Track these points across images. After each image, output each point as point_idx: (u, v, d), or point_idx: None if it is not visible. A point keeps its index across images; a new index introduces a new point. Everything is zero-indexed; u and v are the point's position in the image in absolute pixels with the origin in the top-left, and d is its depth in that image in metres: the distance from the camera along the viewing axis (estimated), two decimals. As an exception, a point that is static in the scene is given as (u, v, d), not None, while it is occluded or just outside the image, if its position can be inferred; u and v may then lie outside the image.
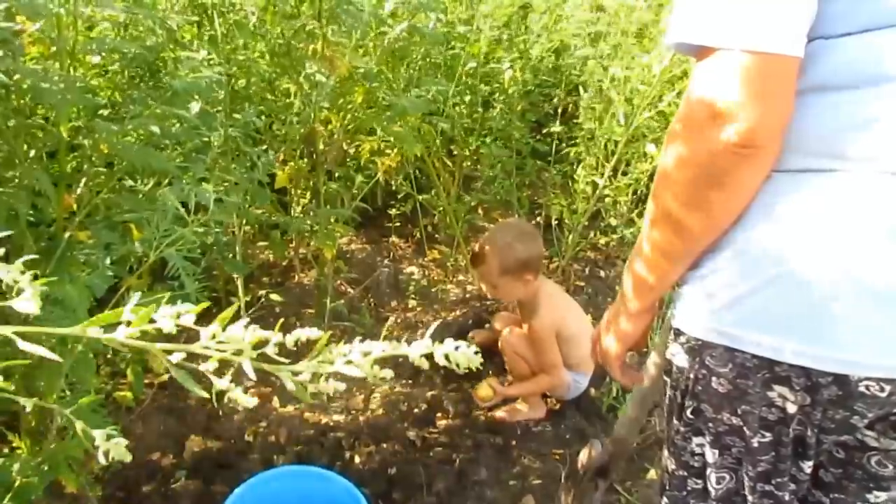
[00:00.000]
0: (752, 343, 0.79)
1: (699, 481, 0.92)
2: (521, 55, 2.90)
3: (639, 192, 2.88)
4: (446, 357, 0.42)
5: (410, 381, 2.34)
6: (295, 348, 0.47)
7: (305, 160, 2.28)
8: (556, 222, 3.03)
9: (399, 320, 2.69)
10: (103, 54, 1.38)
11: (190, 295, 1.10)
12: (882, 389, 0.74)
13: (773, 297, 0.77)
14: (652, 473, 1.99)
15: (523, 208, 3.17)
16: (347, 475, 1.58)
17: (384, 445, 2.01)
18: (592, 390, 2.31)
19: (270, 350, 0.44)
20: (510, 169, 2.92)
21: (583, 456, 1.62)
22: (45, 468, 1.17)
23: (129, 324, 0.41)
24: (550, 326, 2.11)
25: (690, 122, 0.77)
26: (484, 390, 2.21)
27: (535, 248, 2.08)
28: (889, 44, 0.71)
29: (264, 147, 2.08)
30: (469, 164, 3.18)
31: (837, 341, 0.74)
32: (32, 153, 1.19)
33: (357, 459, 1.96)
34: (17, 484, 1.11)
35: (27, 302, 0.37)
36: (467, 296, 2.86)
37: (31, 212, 1.16)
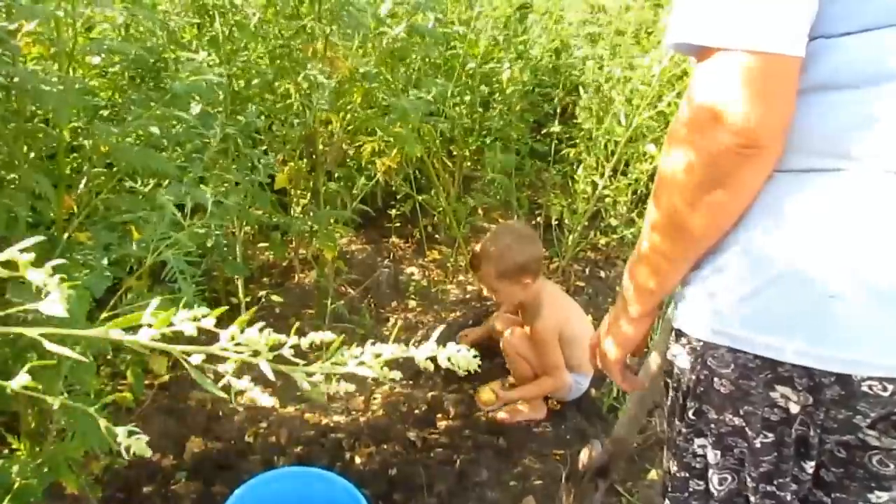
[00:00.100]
0: (754, 343, 0.79)
1: (701, 483, 0.92)
2: (520, 55, 2.90)
3: (639, 192, 2.88)
4: (449, 360, 0.42)
5: (411, 382, 2.34)
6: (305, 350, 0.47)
7: (305, 161, 2.28)
8: (556, 223, 3.03)
9: (399, 321, 2.68)
10: (103, 56, 1.38)
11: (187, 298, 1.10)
12: (885, 389, 0.74)
13: (776, 298, 0.77)
14: (653, 474, 1.98)
15: (523, 209, 3.17)
16: (348, 476, 1.58)
17: (385, 446, 2.01)
18: (593, 391, 2.31)
19: (281, 351, 0.44)
20: (510, 169, 2.91)
21: (583, 456, 1.61)
22: (45, 469, 1.16)
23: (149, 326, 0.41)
24: (553, 328, 2.10)
25: (691, 122, 0.76)
26: (486, 395, 2.20)
27: (533, 251, 2.08)
28: (890, 43, 0.70)
29: (264, 148, 2.07)
30: (469, 164, 3.18)
31: (841, 341, 0.74)
32: (32, 155, 1.18)
33: (357, 460, 1.96)
34: (16, 486, 1.11)
35: (55, 304, 0.37)
36: (467, 296, 2.86)
37: (30, 213, 1.16)
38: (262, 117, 1.92)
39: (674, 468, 0.96)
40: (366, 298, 2.76)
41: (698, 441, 0.91)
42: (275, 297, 2.48)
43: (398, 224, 3.15)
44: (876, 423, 0.78)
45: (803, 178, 0.77)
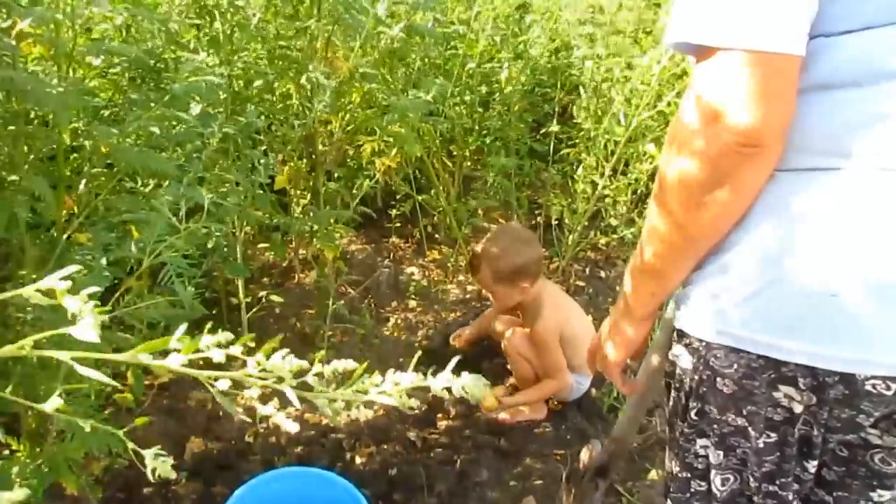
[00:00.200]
0: (757, 343, 0.79)
1: (703, 483, 0.92)
2: (519, 55, 2.90)
3: (639, 191, 2.88)
4: (463, 389, 0.43)
5: (411, 382, 2.34)
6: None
7: (305, 161, 2.28)
8: (556, 222, 3.03)
9: (399, 321, 2.68)
10: (103, 57, 1.38)
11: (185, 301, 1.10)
12: (888, 388, 0.74)
13: (779, 297, 0.77)
14: (653, 474, 1.98)
15: (523, 209, 3.17)
16: (348, 476, 1.57)
17: (385, 446, 2.00)
18: (593, 391, 2.31)
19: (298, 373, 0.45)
20: (510, 170, 2.91)
21: (583, 456, 1.61)
22: (46, 470, 1.16)
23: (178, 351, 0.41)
24: (553, 329, 2.10)
25: (692, 122, 0.76)
26: (489, 401, 2.20)
27: (531, 254, 2.07)
28: (892, 41, 0.70)
29: (263, 148, 2.07)
30: (469, 164, 3.18)
31: (844, 340, 0.74)
32: (32, 156, 1.18)
33: (358, 460, 1.96)
34: (16, 486, 1.10)
35: (88, 330, 0.38)
36: (467, 296, 2.85)
37: (30, 214, 1.16)
38: (262, 117, 1.92)
39: (675, 468, 0.96)
40: (366, 298, 2.76)
41: (700, 441, 0.91)
42: (275, 298, 2.48)
43: (398, 224, 3.14)
44: (878, 421, 0.77)
45: (805, 178, 0.77)
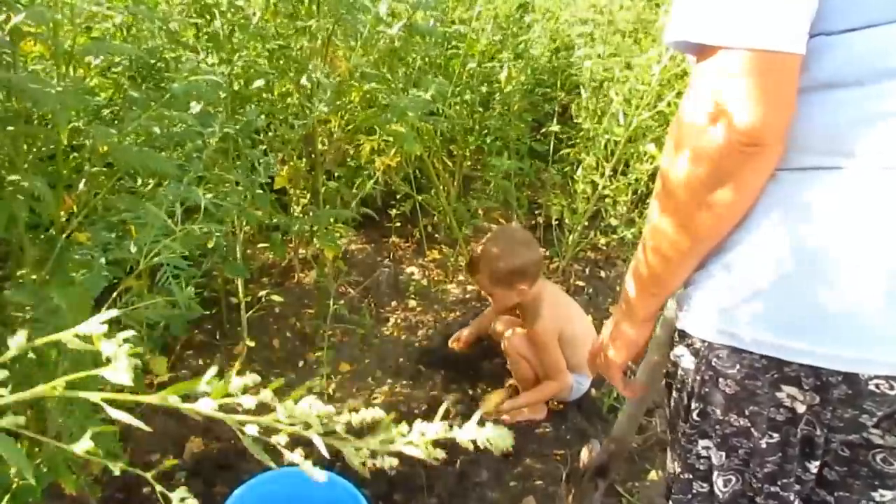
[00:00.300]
0: (760, 343, 0.79)
1: (705, 485, 0.92)
2: (520, 55, 2.90)
3: (639, 191, 2.88)
4: (487, 440, 0.43)
5: (411, 382, 2.34)
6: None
7: (304, 160, 2.28)
8: (556, 222, 3.02)
9: (399, 321, 2.68)
10: (103, 57, 1.38)
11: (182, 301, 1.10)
12: (892, 387, 0.74)
13: (782, 297, 0.77)
14: (653, 474, 1.98)
15: (522, 208, 3.16)
16: (347, 476, 1.57)
17: (384, 446, 2.00)
18: (593, 391, 2.31)
19: (337, 426, 0.45)
20: (510, 170, 2.91)
21: (582, 456, 1.61)
22: (44, 470, 1.16)
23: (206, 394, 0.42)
24: (552, 330, 2.10)
25: (693, 121, 0.76)
26: (490, 407, 2.19)
27: (528, 256, 2.06)
28: (893, 39, 0.70)
29: (263, 147, 2.07)
30: (468, 164, 3.18)
31: (848, 339, 0.74)
32: (31, 156, 1.18)
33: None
34: (14, 486, 1.10)
35: (122, 374, 0.37)
36: (467, 296, 2.85)
37: (29, 214, 1.16)
38: (262, 117, 1.92)
39: (677, 469, 0.96)
40: (366, 298, 2.76)
41: (702, 442, 0.90)
42: (275, 297, 2.48)
43: (398, 224, 3.14)
44: (881, 421, 0.77)
45: (807, 177, 0.77)
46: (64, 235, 1.19)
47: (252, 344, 2.23)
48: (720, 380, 0.84)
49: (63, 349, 1.00)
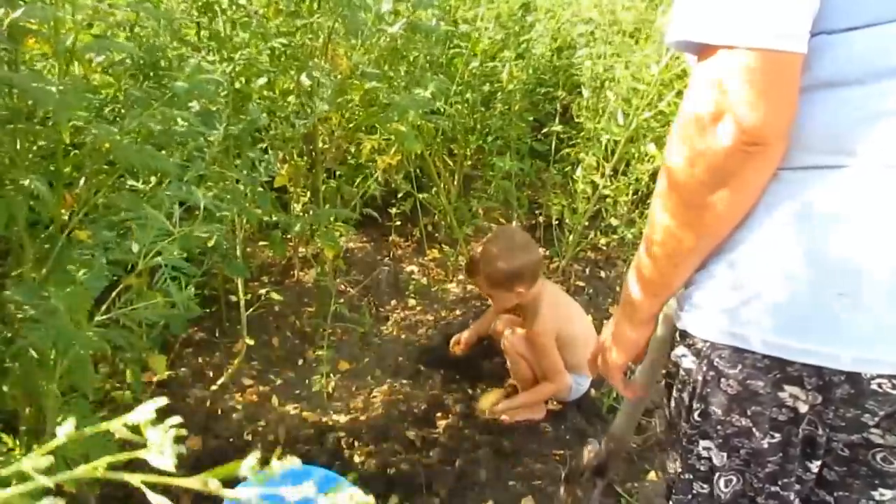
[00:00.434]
0: (763, 343, 0.79)
1: (705, 486, 0.92)
2: (522, 54, 2.90)
3: (640, 192, 2.87)
4: None
5: (410, 381, 2.34)
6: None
7: (304, 158, 2.28)
8: (557, 222, 3.02)
9: (399, 320, 2.68)
10: (105, 55, 1.37)
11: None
12: (894, 386, 0.74)
13: (785, 297, 0.77)
14: (652, 475, 1.98)
15: (523, 208, 3.16)
16: (347, 475, 1.57)
17: (384, 445, 2.00)
18: (593, 391, 2.31)
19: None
20: (510, 170, 2.91)
21: (581, 455, 1.61)
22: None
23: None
24: (550, 331, 2.09)
25: (694, 121, 0.76)
26: (486, 404, 2.20)
27: (526, 259, 2.05)
28: (894, 38, 0.70)
29: (263, 145, 2.07)
30: (469, 163, 3.18)
31: (851, 339, 0.74)
32: (31, 154, 1.18)
33: (357, 459, 1.96)
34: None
35: (164, 459, 0.37)
36: (467, 295, 2.85)
37: (30, 211, 1.16)
38: (264, 114, 1.91)
39: (678, 469, 0.96)
40: (365, 297, 2.76)
41: (703, 443, 0.90)
42: (275, 296, 2.47)
43: (398, 223, 3.14)
44: (882, 420, 0.78)
45: (810, 176, 0.77)
46: (64, 234, 1.19)
47: (251, 342, 2.23)
48: (722, 380, 0.84)
49: (62, 349, 1.00)
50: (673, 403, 0.96)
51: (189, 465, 1.86)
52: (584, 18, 2.84)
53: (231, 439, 1.99)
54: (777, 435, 0.83)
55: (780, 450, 0.83)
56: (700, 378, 0.87)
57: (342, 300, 2.57)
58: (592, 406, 2.27)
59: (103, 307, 1.11)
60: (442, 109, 2.60)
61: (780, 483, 0.85)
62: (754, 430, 0.84)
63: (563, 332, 2.12)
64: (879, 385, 0.74)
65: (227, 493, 0.40)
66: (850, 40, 0.72)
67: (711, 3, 0.72)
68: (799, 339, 0.76)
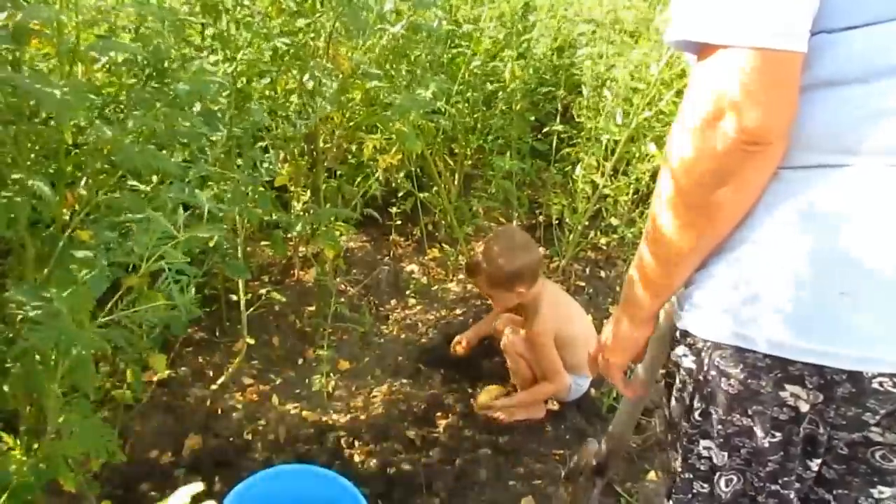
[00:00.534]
0: (764, 343, 0.79)
1: (706, 485, 0.92)
2: (523, 54, 2.90)
3: (640, 191, 2.87)
4: None
5: (410, 381, 2.34)
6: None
7: (305, 158, 2.28)
8: (557, 222, 3.02)
9: (399, 319, 2.68)
10: (108, 55, 1.37)
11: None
12: (895, 385, 0.74)
13: (786, 296, 0.77)
14: (652, 474, 1.98)
15: (523, 208, 3.16)
16: (346, 474, 1.57)
17: (384, 445, 2.00)
18: (593, 391, 2.31)
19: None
20: (511, 169, 2.91)
21: (579, 455, 1.61)
22: (44, 467, 1.16)
23: None
24: (548, 332, 2.09)
25: (694, 121, 0.76)
26: (483, 400, 2.20)
27: (526, 259, 2.05)
28: (894, 36, 0.70)
29: (264, 144, 2.07)
30: (469, 162, 3.18)
31: (852, 338, 0.74)
32: (33, 154, 1.18)
33: (356, 458, 1.96)
34: (13, 484, 1.10)
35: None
36: (467, 294, 2.85)
37: (31, 212, 1.16)
38: (266, 115, 1.91)
39: (678, 469, 0.96)
40: (366, 296, 2.76)
41: (703, 443, 0.90)
42: (275, 296, 2.48)
43: (398, 222, 3.14)
44: (882, 418, 0.78)
45: (811, 175, 0.77)
46: (66, 234, 1.19)
47: (252, 341, 2.23)
48: (723, 379, 0.84)
49: (64, 350, 1.00)
50: (673, 403, 0.96)
51: (189, 464, 1.87)
52: (585, 18, 2.84)
53: (231, 438, 1.99)
54: (778, 434, 0.83)
55: (780, 449, 0.83)
56: (701, 378, 0.87)
57: (342, 300, 2.57)
58: (592, 406, 2.28)
59: (106, 308, 1.11)
60: (443, 109, 2.60)
61: (780, 482, 0.85)
62: (755, 429, 0.84)
63: (563, 332, 2.12)
64: (880, 384, 0.74)
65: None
66: (851, 39, 0.72)
67: (711, 2, 0.72)
68: (800, 338, 0.76)
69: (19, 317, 1.05)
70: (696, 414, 0.89)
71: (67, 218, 1.24)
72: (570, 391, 2.18)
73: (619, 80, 2.50)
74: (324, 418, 2.12)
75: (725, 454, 0.88)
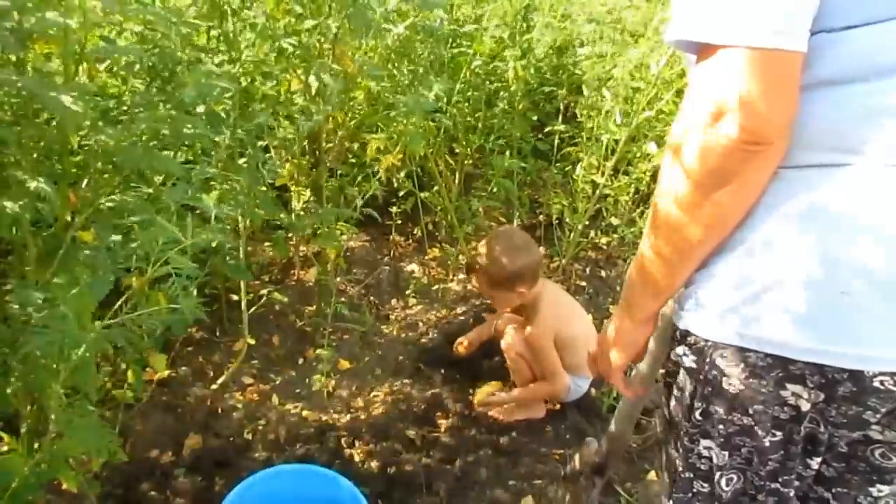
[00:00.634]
0: (765, 342, 0.79)
1: (706, 485, 0.92)
2: (525, 53, 2.89)
3: (640, 191, 2.87)
4: None
5: (411, 381, 2.34)
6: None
7: (307, 157, 2.28)
8: (557, 221, 3.02)
9: (399, 319, 2.68)
10: (114, 58, 1.36)
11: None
12: None
13: (787, 296, 0.77)
14: (652, 474, 1.98)
15: (524, 207, 3.16)
16: (347, 474, 1.58)
17: (384, 444, 2.00)
18: (593, 391, 2.31)
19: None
20: (512, 169, 2.91)
21: (579, 455, 1.61)
22: (45, 467, 1.16)
23: None
24: (547, 333, 2.09)
25: (694, 121, 0.76)
26: (481, 396, 2.20)
27: (527, 259, 2.05)
28: (895, 35, 0.71)
29: (264, 144, 2.06)
30: (470, 162, 3.18)
31: (854, 337, 0.74)
32: (36, 154, 1.17)
33: (357, 458, 1.96)
34: (14, 484, 1.10)
35: None
36: (468, 294, 2.85)
37: (34, 214, 1.16)
38: (271, 115, 1.91)
39: (679, 468, 0.96)
40: (366, 296, 2.76)
41: (704, 442, 0.90)
42: (277, 296, 2.48)
43: (399, 221, 3.14)
44: (882, 417, 0.78)
45: (812, 174, 0.77)
46: (69, 235, 1.18)
47: (252, 341, 2.23)
48: (724, 379, 0.84)
49: (68, 353, 1.00)
50: (673, 402, 0.96)
51: (189, 463, 1.87)
52: (588, 17, 2.84)
53: (231, 438, 1.99)
54: (779, 433, 0.83)
55: (781, 447, 0.84)
56: (702, 377, 0.87)
57: (343, 299, 2.57)
58: (592, 406, 2.28)
59: (108, 309, 1.11)
60: (444, 108, 2.59)
61: (780, 480, 0.85)
62: (756, 428, 0.84)
63: (563, 333, 2.12)
64: (882, 382, 0.75)
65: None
66: (851, 38, 0.72)
67: (711, 2, 0.73)
68: (801, 337, 0.76)
69: (22, 318, 1.05)
70: (697, 413, 0.90)
71: (69, 219, 1.24)
72: (569, 392, 2.18)
73: (620, 79, 2.50)
74: (324, 418, 2.12)
75: (726, 453, 0.88)
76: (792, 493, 0.85)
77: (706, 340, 0.85)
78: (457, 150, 3.06)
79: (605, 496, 1.84)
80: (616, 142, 2.61)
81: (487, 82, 2.91)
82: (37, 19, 0.98)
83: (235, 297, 2.27)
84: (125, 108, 1.36)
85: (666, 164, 0.83)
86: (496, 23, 2.75)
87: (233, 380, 2.19)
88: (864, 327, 0.74)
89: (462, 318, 2.67)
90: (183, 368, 2.21)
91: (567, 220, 2.92)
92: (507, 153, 2.91)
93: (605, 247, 3.19)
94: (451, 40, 2.71)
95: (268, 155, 1.94)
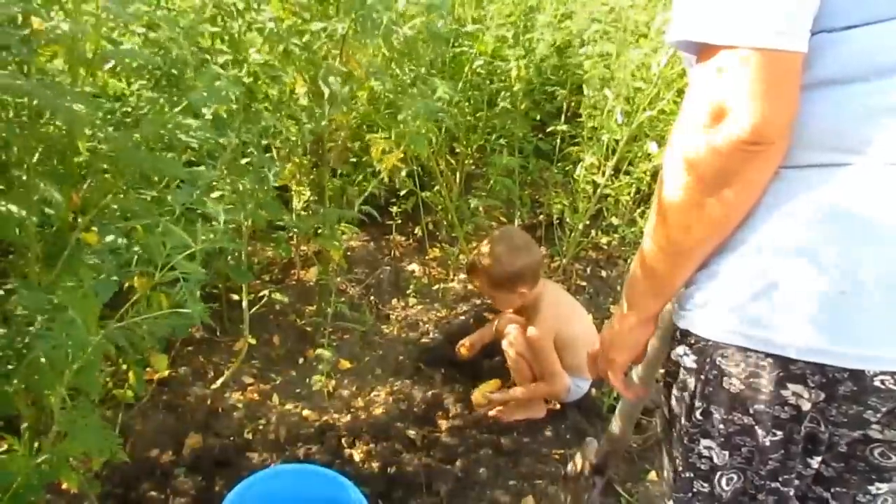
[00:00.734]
0: (766, 342, 0.79)
1: (706, 485, 0.92)
2: (527, 53, 2.89)
3: (641, 191, 2.87)
4: None
5: (411, 380, 2.34)
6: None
7: (309, 157, 2.28)
8: (558, 221, 3.02)
9: (400, 318, 2.68)
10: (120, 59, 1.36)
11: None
12: None
13: (788, 295, 0.77)
14: (652, 474, 1.98)
15: (525, 207, 3.16)
16: (347, 474, 1.58)
17: (384, 444, 2.00)
18: (593, 391, 2.31)
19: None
20: (513, 168, 2.91)
21: (579, 455, 1.62)
22: (46, 467, 1.16)
23: None
24: (548, 333, 2.09)
25: (695, 121, 0.76)
26: (478, 397, 2.20)
27: (528, 259, 2.06)
28: (894, 35, 0.71)
29: (266, 143, 2.06)
30: (470, 162, 3.18)
31: (854, 337, 0.75)
32: (41, 156, 1.17)
33: (357, 458, 1.96)
34: (15, 484, 1.10)
35: None
36: (468, 294, 2.85)
37: (39, 216, 1.15)
38: (275, 117, 1.91)
39: (679, 468, 0.96)
40: (366, 296, 2.76)
41: (704, 442, 0.91)
42: (277, 296, 2.48)
43: (399, 221, 3.14)
44: (883, 416, 0.78)
45: (813, 174, 0.77)
46: (73, 236, 1.18)
47: (253, 341, 2.23)
48: (724, 379, 0.84)
49: (74, 356, 1.00)
50: (673, 402, 0.96)
51: (189, 463, 1.87)
52: (590, 17, 2.83)
53: (231, 438, 2.00)
54: (779, 432, 0.83)
55: (781, 447, 0.84)
56: (702, 377, 0.87)
57: (343, 299, 2.57)
58: (592, 406, 2.28)
59: (112, 311, 1.11)
60: (445, 109, 2.59)
61: (780, 479, 0.85)
62: (756, 428, 0.84)
63: (564, 333, 2.12)
64: (882, 382, 0.75)
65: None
66: (851, 38, 0.72)
67: (712, 2, 0.73)
68: (802, 337, 0.77)
69: (25, 320, 1.05)
70: (697, 413, 0.90)
71: (72, 220, 1.24)
72: (568, 392, 2.18)
73: (621, 79, 2.50)
74: (324, 418, 2.12)
75: (726, 453, 0.88)
76: (792, 493, 0.86)
77: (707, 340, 0.85)
78: (457, 150, 3.06)
79: (605, 496, 1.84)
80: (617, 141, 2.61)
81: (488, 82, 2.91)
82: (52, 26, 0.98)
83: (236, 297, 2.27)
84: (129, 109, 1.35)
85: (666, 163, 0.83)
86: (500, 22, 2.74)
87: (233, 379, 2.19)
88: (865, 327, 0.74)
89: (462, 317, 2.67)
90: (183, 368, 2.21)
91: (568, 219, 2.92)
92: (507, 152, 2.90)
93: (605, 247, 3.19)
94: (452, 40, 2.71)
95: (269, 155, 1.93)
